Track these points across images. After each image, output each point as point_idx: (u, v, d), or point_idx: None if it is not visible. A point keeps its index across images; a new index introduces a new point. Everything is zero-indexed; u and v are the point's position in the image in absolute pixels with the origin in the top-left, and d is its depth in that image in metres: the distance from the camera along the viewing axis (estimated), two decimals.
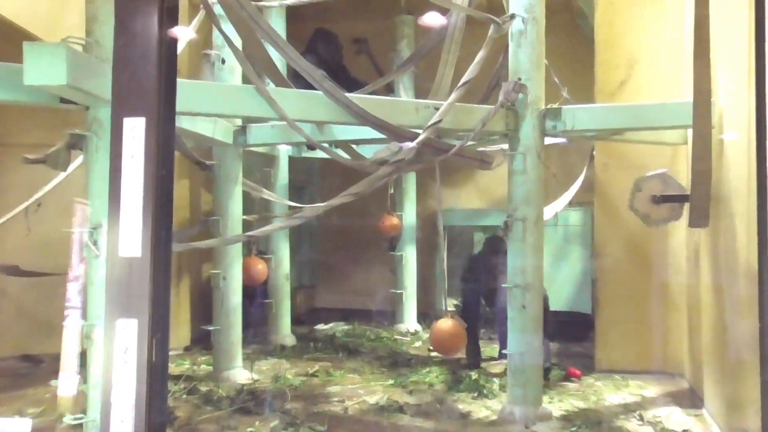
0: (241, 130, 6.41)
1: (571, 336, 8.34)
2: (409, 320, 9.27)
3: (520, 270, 5.30)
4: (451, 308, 6.32)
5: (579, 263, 8.77)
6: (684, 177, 5.93)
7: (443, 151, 5.01)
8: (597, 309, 6.95)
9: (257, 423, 5.16)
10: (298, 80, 5.29)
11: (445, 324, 5.39)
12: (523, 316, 5.28)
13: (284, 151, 8.31)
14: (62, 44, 3.30)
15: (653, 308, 6.71)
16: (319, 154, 8.11)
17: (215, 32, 6.25)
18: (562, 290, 8.75)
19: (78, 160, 5.12)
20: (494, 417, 5.34)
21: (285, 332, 8.34)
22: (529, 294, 5.27)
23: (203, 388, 6.08)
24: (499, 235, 6.52)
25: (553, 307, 8.62)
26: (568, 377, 6.55)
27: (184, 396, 5.87)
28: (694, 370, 6.10)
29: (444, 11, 5.58)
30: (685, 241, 6.51)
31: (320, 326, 9.46)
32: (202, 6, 5.82)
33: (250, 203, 7.12)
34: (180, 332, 7.95)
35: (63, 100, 3.60)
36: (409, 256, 9.32)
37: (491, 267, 6.84)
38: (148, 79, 2.41)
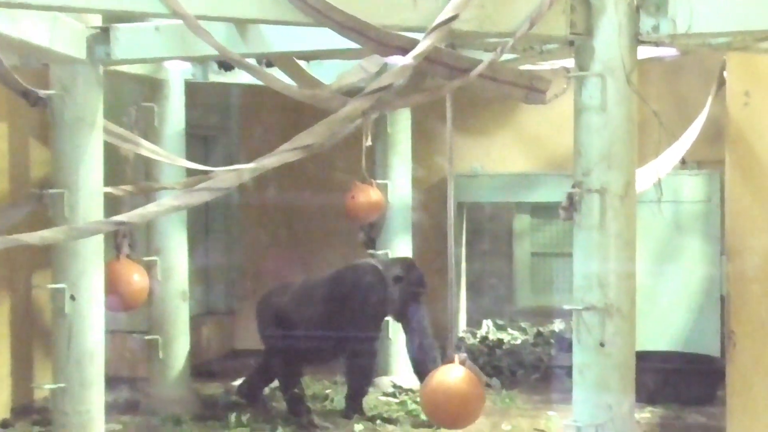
0: (102, 35, 6.34)
1: (684, 396, 8.41)
2: (401, 368, 9.33)
3: (596, 280, 5.30)
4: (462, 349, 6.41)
5: (698, 269, 8.83)
6: None
7: (460, 72, 5.00)
8: (730, 349, 6.99)
9: None
10: None
11: (449, 376, 5.41)
12: (602, 361, 5.30)
13: (178, 74, 8.27)
14: None
15: None
16: (241, 78, 8.03)
17: None
18: (669, 316, 8.80)
19: None
20: None
21: (181, 393, 8.35)
22: (612, 322, 5.28)
23: None
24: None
25: (649, 346, 8.73)
26: None
27: None
28: None
29: None
30: None
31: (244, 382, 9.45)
32: None
33: (118, 165, 7.07)
34: None
35: None
36: (401, 254, 9.34)
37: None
38: None
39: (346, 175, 9.12)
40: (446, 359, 5.69)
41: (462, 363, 5.46)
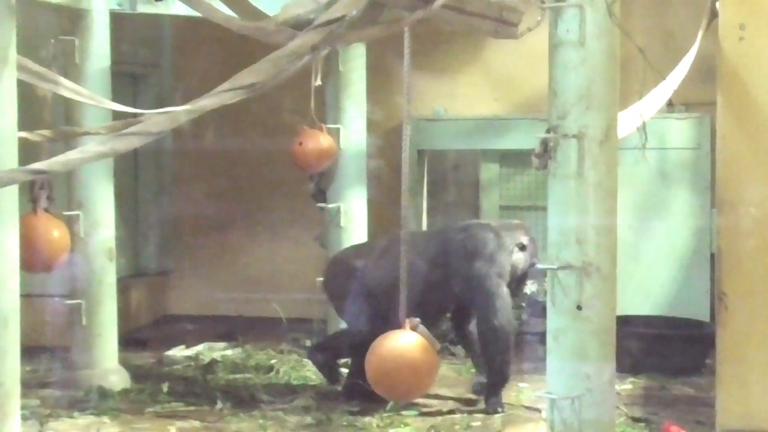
0: None
1: (671, 364, 8.49)
2: None
3: (572, 236, 5.33)
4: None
5: (686, 223, 8.89)
6: None
7: (422, 2, 4.98)
8: (721, 313, 7.04)
9: None
10: None
11: (399, 341, 5.44)
12: (579, 326, 5.34)
13: (103, 3, 8.17)
14: None
15: None
16: (175, 8, 7.98)
17: None
18: (653, 276, 8.87)
19: None
20: None
21: (108, 364, 8.33)
22: (590, 283, 5.32)
23: None
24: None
25: (631, 310, 8.79)
26: None
27: None
28: None
29: None
30: None
31: (178, 351, 9.55)
32: None
33: (34, 107, 7.00)
34: None
35: None
36: (354, 208, 9.41)
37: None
38: None
39: (293, 118, 9.10)
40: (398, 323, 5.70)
41: (413, 328, 5.48)
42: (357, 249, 8.55)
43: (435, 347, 5.51)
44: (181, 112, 4.85)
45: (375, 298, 7.74)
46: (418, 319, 5.80)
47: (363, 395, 7.50)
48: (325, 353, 8.20)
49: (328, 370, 8.09)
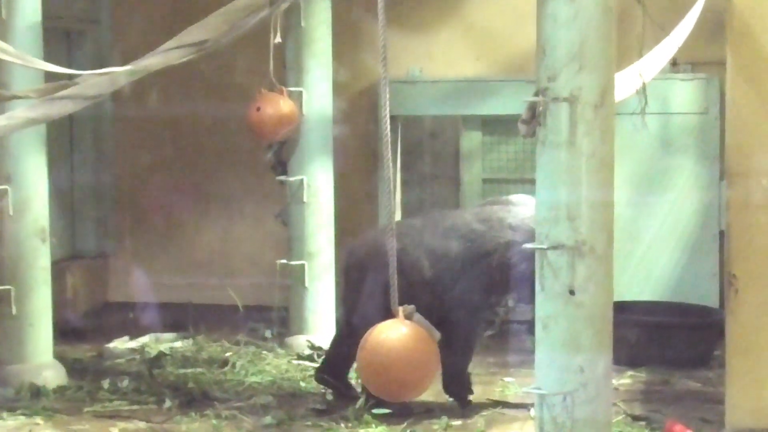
0: None
1: (675, 356, 8.53)
2: (320, 324, 9.43)
3: (564, 212, 5.35)
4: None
5: (692, 197, 8.92)
6: None
7: None
8: (731, 298, 7.07)
9: None
10: None
11: (392, 333, 5.45)
12: (572, 313, 5.36)
13: None
14: None
15: None
16: None
17: None
18: (654, 257, 8.90)
19: None
20: None
21: (41, 358, 8.32)
22: (584, 264, 5.34)
23: None
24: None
25: (630, 295, 8.80)
26: None
27: None
28: None
29: None
30: None
31: (120, 343, 9.55)
32: None
33: None
34: None
35: None
36: (319, 182, 9.41)
37: None
38: None
39: (249, 80, 9.08)
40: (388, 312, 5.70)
41: (408, 317, 5.48)
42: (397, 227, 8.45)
43: (434, 338, 5.51)
44: (121, 73, 4.85)
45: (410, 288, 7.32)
46: (413, 306, 5.79)
47: (333, 388, 7.60)
48: (334, 369, 8.08)
49: (345, 388, 8.00)
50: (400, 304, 6.68)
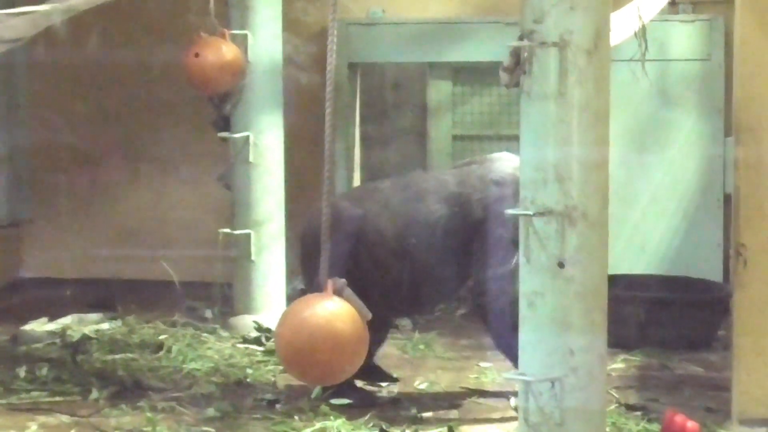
0: None
1: (674, 337, 8.59)
2: (268, 302, 9.46)
3: (552, 173, 5.36)
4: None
5: (694, 155, 8.97)
6: None
7: None
8: (738, 271, 7.12)
9: None
10: None
11: (318, 309, 5.47)
12: (561, 288, 5.37)
13: None
14: None
15: None
16: None
17: None
18: (652, 225, 8.94)
19: None
20: None
21: None
22: (575, 233, 5.35)
23: None
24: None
25: (625, 268, 8.83)
26: None
27: None
28: None
29: None
30: None
31: (37, 325, 9.55)
32: None
33: None
34: None
35: None
36: (267, 139, 9.42)
37: None
38: None
39: (186, 21, 9.05)
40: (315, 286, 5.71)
41: (337, 292, 5.48)
42: (361, 191, 8.48)
43: (365, 317, 5.51)
44: (42, 13, 4.82)
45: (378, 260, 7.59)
46: (343, 280, 5.79)
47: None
48: None
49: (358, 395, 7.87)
50: (374, 278, 6.72)
